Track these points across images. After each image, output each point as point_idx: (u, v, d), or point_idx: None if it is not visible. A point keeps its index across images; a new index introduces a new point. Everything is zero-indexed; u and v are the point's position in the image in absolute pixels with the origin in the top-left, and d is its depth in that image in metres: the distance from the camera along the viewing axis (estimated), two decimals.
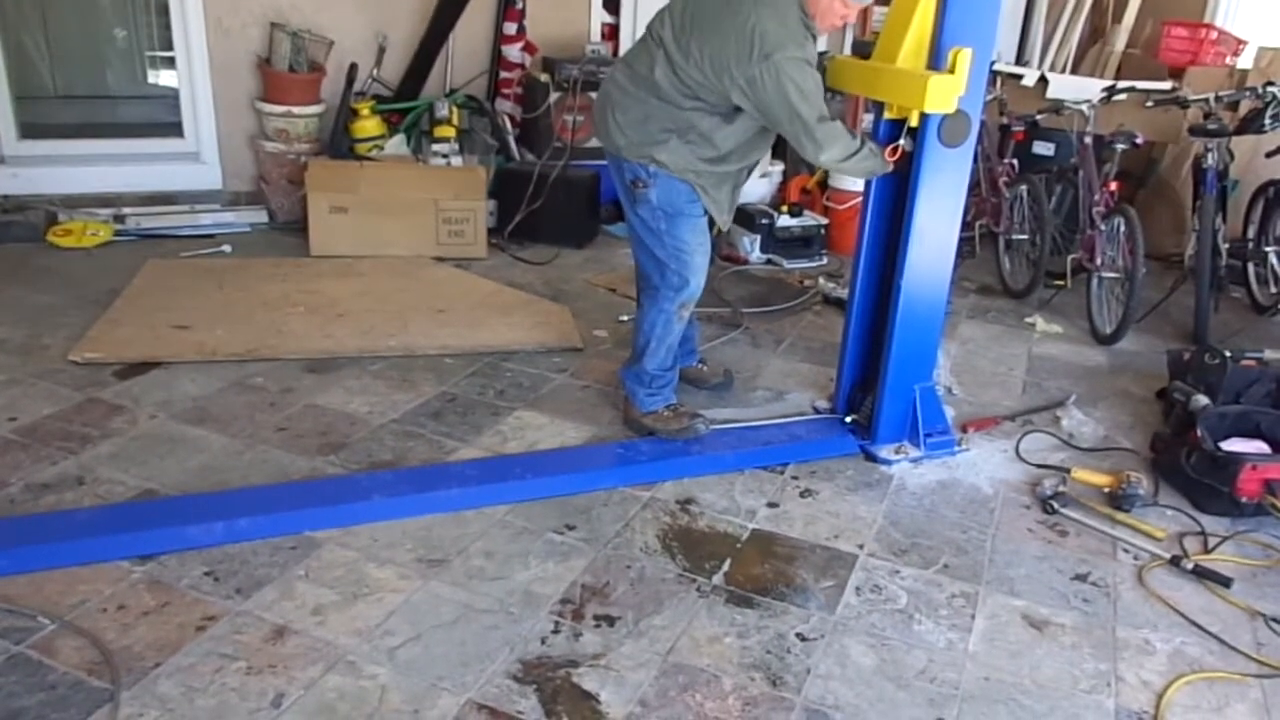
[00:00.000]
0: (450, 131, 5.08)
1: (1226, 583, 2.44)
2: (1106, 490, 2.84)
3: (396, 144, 5.12)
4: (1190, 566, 2.49)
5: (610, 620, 2.19)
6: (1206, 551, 2.62)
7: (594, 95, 4.87)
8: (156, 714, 1.83)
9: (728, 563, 2.44)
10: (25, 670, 1.91)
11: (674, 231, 2.80)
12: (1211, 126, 3.97)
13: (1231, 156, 4.17)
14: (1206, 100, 4.07)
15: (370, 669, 1.99)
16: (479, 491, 2.63)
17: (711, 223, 2.89)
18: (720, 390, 3.37)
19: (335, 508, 2.50)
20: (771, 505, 2.72)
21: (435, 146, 5.06)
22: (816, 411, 3.26)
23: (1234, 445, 2.86)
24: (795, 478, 2.87)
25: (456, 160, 5.06)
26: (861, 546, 2.54)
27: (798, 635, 2.19)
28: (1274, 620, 2.33)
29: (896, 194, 2.85)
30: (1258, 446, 2.87)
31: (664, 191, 2.75)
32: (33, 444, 2.76)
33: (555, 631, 2.14)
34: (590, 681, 2.00)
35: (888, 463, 2.97)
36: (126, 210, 4.73)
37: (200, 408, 3.04)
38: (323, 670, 1.97)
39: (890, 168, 2.73)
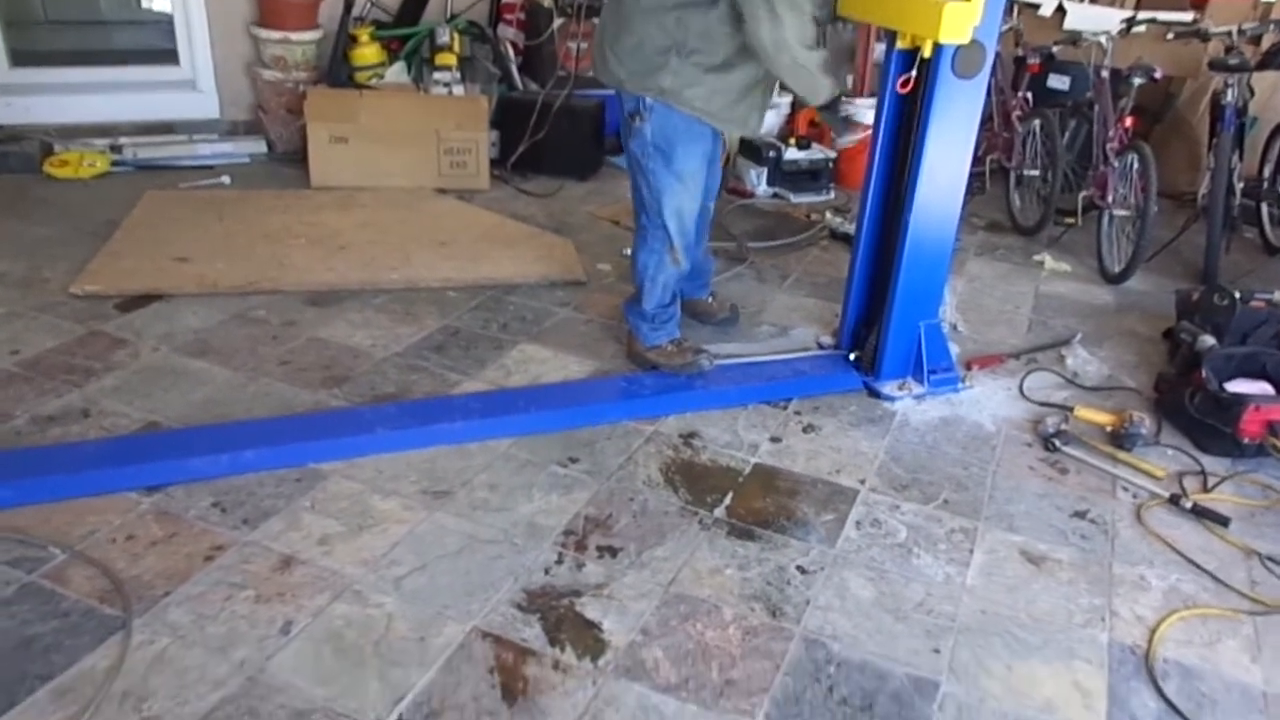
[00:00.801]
0: (451, 59, 4.99)
1: (1224, 522, 2.46)
2: (1109, 429, 2.85)
3: (397, 72, 5.02)
4: (1189, 505, 2.51)
5: (613, 551, 2.22)
6: (1206, 491, 2.63)
7: (598, 21, 4.79)
8: (168, 641, 1.86)
9: (729, 496, 2.46)
10: (38, 599, 1.94)
11: (658, 170, 2.71)
12: (1232, 61, 3.88)
13: (1251, 93, 4.08)
14: (1229, 33, 3.97)
15: (377, 598, 2.02)
16: (483, 424, 2.64)
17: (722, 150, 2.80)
18: (725, 326, 3.36)
19: (339, 440, 2.51)
20: (774, 440, 2.73)
21: (436, 75, 4.97)
22: (821, 347, 3.26)
23: (1238, 386, 2.86)
24: (798, 413, 2.88)
25: (458, 89, 4.98)
26: (863, 481, 2.56)
27: (798, 568, 2.21)
28: (1269, 559, 2.36)
29: (906, 127, 2.81)
30: (1262, 388, 2.87)
31: (659, 126, 2.65)
32: (36, 377, 2.77)
33: (559, 562, 2.17)
34: (593, 610, 2.03)
35: (891, 399, 2.97)
36: (123, 140, 4.67)
37: (202, 340, 3.04)
38: (330, 599, 2.00)
39: (834, 93, 2.62)
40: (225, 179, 4.54)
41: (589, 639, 1.96)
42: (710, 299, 3.38)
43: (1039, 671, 1.96)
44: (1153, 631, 2.09)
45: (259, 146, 4.96)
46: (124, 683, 1.76)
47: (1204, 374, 2.84)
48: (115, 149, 4.62)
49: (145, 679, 1.77)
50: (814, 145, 5.00)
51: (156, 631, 1.88)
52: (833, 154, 5.01)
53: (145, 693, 1.74)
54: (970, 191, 3.27)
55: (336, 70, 4.90)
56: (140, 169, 4.60)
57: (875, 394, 2.99)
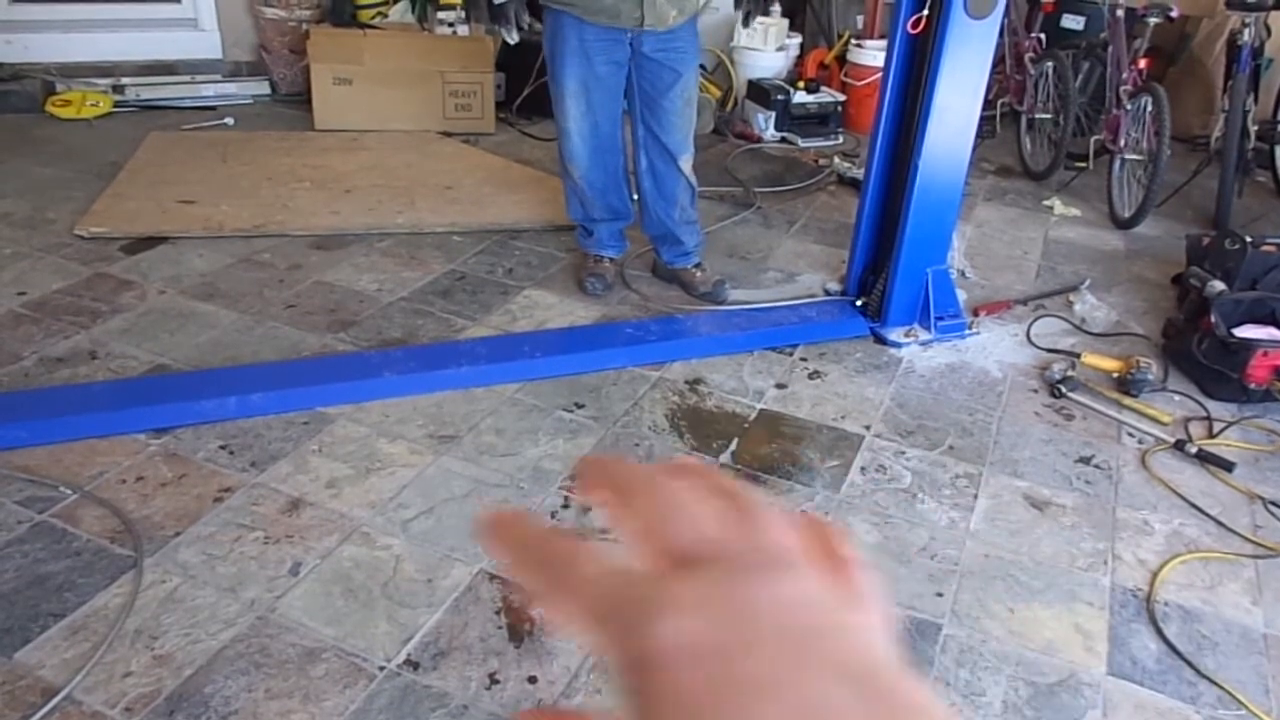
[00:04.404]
0: None
1: (1229, 466, 2.46)
2: (1115, 375, 2.84)
3: (401, 11, 4.95)
4: (1194, 450, 2.51)
5: None
6: (1211, 436, 2.64)
7: None
8: (179, 580, 1.89)
9: (735, 442, 2.47)
10: (50, 538, 1.97)
11: (550, 83, 2.91)
12: None
13: (1269, 32, 4.00)
14: None
15: (384, 540, 2.04)
16: (489, 369, 2.64)
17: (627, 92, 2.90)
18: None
19: (346, 384, 2.52)
20: (780, 386, 2.73)
21: (441, 14, 4.89)
22: (827, 293, 3.24)
23: (1247, 332, 2.84)
24: (804, 359, 2.88)
25: (463, 29, 4.90)
26: (868, 427, 2.56)
27: (802, 513, 2.22)
28: (1273, 503, 2.36)
29: (917, 69, 2.76)
30: (1270, 333, 2.85)
31: (545, 32, 2.84)
32: (43, 318, 2.77)
33: (564, 506, 2.19)
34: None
35: (897, 345, 2.96)
36: (125, 80, 4.62)
37: (209, 283, 3.04)
38: (338, 541, 2.03)
39: None
40: (229, 120, 4.50)
41: None
42: (695, 269, 3.18)
43: (1041, 614, 1.98)
44: (1155, 575, 2.11)
45: (262, 88, 4.91)
46: (136, 620, 1.79)
47: (1212, 319, 2.82)
48: (118, 89, 4.57)
49: (157, 617, 1.80)
50: (823, 88, 4.93)
51: (168, 571, 1.91)
52: (842, 97, 4.94)
53: (157, 630, 1.77)
54: (980, 135, 3.21)
55: (340, 9, 4.82)
56: (143, 109, 4.55)
57: (882, 340, 2.99)
